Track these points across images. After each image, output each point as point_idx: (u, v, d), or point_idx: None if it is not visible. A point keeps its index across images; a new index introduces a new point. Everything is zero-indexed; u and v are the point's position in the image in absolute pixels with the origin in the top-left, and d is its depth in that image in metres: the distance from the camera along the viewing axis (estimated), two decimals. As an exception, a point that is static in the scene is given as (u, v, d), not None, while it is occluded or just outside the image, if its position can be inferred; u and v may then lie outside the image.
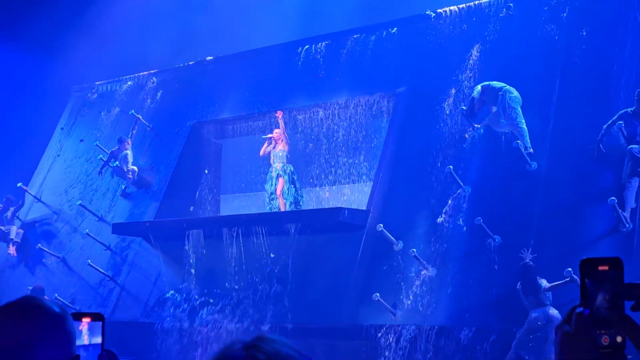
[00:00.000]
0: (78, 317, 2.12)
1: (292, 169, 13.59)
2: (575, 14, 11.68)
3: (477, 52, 12.37)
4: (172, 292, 13.25)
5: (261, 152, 13.69)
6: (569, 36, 11.57)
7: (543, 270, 9.84)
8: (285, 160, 13.56)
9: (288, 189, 13.43)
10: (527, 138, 10.90)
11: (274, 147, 13.57)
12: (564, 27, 11.71)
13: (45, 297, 13.71)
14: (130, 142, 15.34)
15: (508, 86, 11.22)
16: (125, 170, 15.03)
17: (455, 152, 11.64)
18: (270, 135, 13.63)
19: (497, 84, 11.30)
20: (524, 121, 10.97)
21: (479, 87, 11.46)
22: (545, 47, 11.72)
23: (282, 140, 13.55)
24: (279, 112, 13.80)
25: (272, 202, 13.46)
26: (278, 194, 13.35)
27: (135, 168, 15.11)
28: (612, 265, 1.60)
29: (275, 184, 13.43)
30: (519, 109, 11.05)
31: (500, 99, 11.08)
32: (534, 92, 11.46)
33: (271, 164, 13.62)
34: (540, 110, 11.27)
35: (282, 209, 13.25)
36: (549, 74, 11.48)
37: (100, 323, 2.15)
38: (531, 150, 10.87)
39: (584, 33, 11.47)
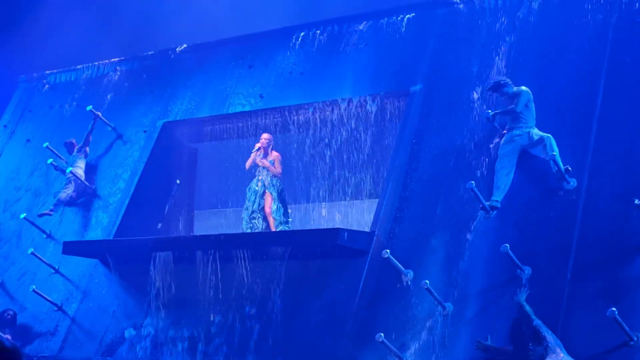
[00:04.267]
0: None
1: (280, 183, 13.55)
2: (629, 1, 11.65)
3: (510, 44, 12.33)
4: (133, 326, 13.16)
5: (247, 165, 13.52)
6: (620, 27, 11.28)
7: (582, 309, 9.69)
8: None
9: (277, 208, 13.37)
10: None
11: (263, 157, 13.52)
12: (612, 16, 11.54)
13: None
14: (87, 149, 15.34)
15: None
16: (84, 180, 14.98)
17: (479, 165, 11.64)
18: (258, 145, 13.57)
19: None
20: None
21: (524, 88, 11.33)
22: (590, 40, 11.40)
23: (272, 150, 13.51)
24: (264, 136, 13.56)
25: (253, 221, 13.27)
26: (267, 212, 13.24)
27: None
28: None
29: (259, 201, 13.35)
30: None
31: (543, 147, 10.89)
32: (574, 93, 11.13)
33: (255, 175, 13.55)
34: (581, 116, 10.91)
35: (272, 230, 13.16)
36: (593, 72, 11.14)
37: None
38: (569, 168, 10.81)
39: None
